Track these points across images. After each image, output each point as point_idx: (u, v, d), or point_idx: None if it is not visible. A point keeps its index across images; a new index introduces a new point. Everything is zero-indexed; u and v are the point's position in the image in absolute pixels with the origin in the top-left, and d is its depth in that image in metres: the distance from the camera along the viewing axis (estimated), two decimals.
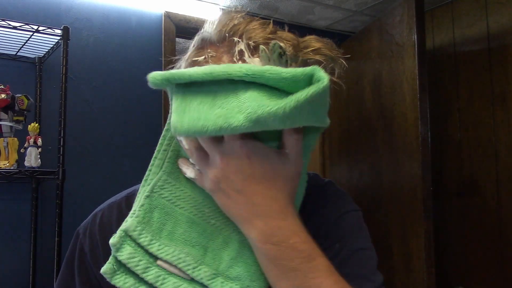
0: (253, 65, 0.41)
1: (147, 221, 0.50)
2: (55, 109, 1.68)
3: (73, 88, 1.88)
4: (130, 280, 0.49)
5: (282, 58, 0.48)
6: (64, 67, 1.63)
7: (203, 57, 0.55)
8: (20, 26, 1.55)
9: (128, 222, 0.50)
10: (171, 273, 0.49)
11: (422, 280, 1.86)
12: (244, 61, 0.52)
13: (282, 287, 0.46)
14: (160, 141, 0.53)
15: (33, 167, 1.63)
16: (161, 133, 0.57)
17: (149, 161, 0.57)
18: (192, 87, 0.45)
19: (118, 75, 2.02)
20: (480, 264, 2.20)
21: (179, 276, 0.49)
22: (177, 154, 0.52)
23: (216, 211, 0.50)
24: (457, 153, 2.35)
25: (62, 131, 1.62)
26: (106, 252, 0.63)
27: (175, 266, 0.49)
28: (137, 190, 0.68)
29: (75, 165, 1.86)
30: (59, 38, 1.65)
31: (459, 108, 2.35)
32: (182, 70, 0.44)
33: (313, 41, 0.55)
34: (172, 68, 0.58)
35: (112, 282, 0.50)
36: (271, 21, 0.57)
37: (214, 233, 0.50)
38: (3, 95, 1.59)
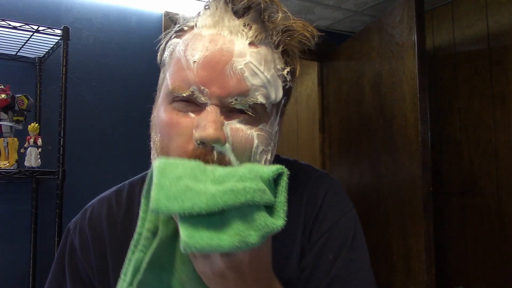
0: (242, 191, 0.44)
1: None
2: (55, 109, 1.68)
3: (73, 88, 1.88)
4: None
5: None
6: (64, 67, 1.63)
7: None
8: (20, 26, 1.55)
9: None
10: None
11: (422, 280, 1.86)
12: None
13: None
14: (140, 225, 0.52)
15: (33, 167, 1.63)
16: None
17: (149, 161, 0.57)
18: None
19: (118, 75, 2.02)
20: (480, 264, 2.20)
21: None
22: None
23: (192, 280, 0.52)
24: (457, 153, 2.35)
25: (62, 131, 1.62)
26: (96, 247, 0.63)
27: None
28: (126, 184, 0.68)
29: (75, 165, 1.86)
30: (59, 38, 1.65)
31: (459, 108, 2.35)
32: (189, 204, 0.44)
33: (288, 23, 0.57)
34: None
35: None
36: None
37: None
38: (3, 95, 1.59)
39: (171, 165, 0.46)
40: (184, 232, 0.43)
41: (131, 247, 0.51)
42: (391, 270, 2.06)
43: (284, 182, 0.47)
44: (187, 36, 0.56)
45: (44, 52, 1.80)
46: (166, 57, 0.59)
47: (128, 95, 2.03)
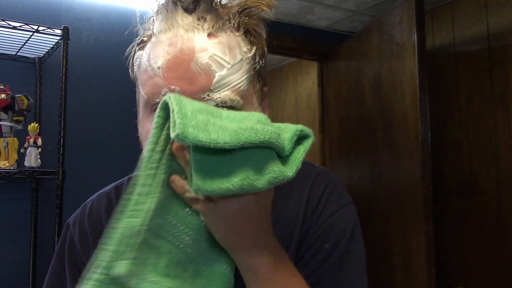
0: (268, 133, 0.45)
1: (137, 261, 0.48)
2: (55, 109, 1.68)
3: (73, 88, 1.88)
4: None
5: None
6: (64, 67, 1.63)
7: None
8: (20, 26, 1.55)
9: (120, 267, 0.45)
10: None
11: (422, 280, 1.86)
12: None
13: None
14: (145, 164, 0.47)
15: (33, 167, 1.63)
16: None
17: None
18: (217, 151, 0.45)
19: (118, 75, 2.02)
20: (480, 264, 2.20)
21: None
22: (166, 178, 0.48)
23: (195, 240, 0.50)
24: (457, 153, 2.35)
25: (62, 131, 1.62)
26: (95, 242, 0.62)
27: None
28: (125, 179, 0.68)
29: (75, 165, 1.86)
30: (59, 38, 1.65)
31: (459, 108, 2.35)
32: (214, 136, 0.42)
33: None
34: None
35: None
36: None
37: (187, 263, 0.50)
38: (3, 95, 1.59)
39: (185, 99, 0.44)
40: (196, 174, 0.42)
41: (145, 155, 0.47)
42: (391, 270, 2.06)
43: (307, 144, 0.48)
44: (148, 46, 0.56)
45: (44, 52, 1.80)
46: (136, 71, 0.60)
47: (128, 95, 2.02)
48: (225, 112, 0.46)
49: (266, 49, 0.59)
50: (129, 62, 0.62)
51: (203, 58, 0.51)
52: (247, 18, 0.56)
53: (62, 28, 1.63)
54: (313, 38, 2.72)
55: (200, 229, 0.50)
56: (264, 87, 0.61)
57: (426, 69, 1.92)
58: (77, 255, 0.63)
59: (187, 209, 0.49)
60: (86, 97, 1.96)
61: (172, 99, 0.43)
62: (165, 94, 0.51)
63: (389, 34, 2.10)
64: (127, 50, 0.62)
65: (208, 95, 0.51)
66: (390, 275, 2.07)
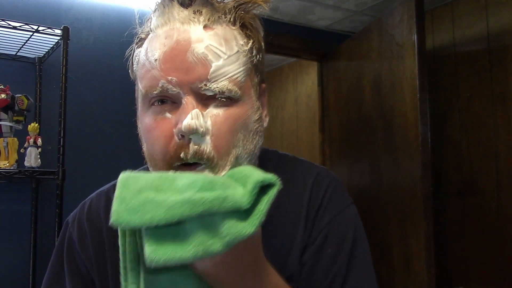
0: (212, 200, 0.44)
1: None
2: (55, 109, 1.68)
3: (73, 88, 1.88)
4: None
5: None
6: (64, 67, 1.63)
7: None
8: (20, 26, 1.55)
9: None
10: None
11: (422, 280, 1.86)
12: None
13: None
14: (122, 253, 0.50)
15: (33, 167, 1.63)
16: None
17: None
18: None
19: (118, 75, 2.02)
20: (480, 264, 2.20)
21: None
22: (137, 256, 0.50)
23: None
24: (457, 153, 2.35)
25: (62, 131, 1.62)
26: (94, 239, 0.63)
27: None
28: None
29: (75, 165, 1.86)
30: (59, 38, 1.65)
31: (459, 108, 2.35)
32: (148, 216, 0.43)
33: None
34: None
35: None
36: None
37: None
38: (3, 95, 1.59)
39: (133, 178, 0.46)
40: (148, 247, 0.43)
41: (122, 281, 0.50)
42: (391, 270, 2.06)
43: (271, 193, 0.46)
44: (145, 42, 0.57)
45: (44, 52, 1.80)
46: (135, 69, 0.60)
47: (128, 95, 2.02)
48: (181, 180, 0.46)
49: (263, 44, 0.59)
50: (129, 62, 0.62)
51: (199, 48, 0.52)
52: (243, 12, 0.56)
53: (62, 28, 1.63)
54: (313, 38, 2.72)
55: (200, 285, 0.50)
56: (262, 83, 0.61)
57: (426, 69, 1.92)
58: (75, 253, 0.64)
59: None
60: (86, 97, 1.96)
61: (118, 181, 0.45)
62: (162, 86, 0.52)
63: (389, 34, 2.10)
64: (127, 51, 0.63)
65: (205, 85, 0.51)
66: (390, 275, 2.07)
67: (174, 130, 0.52)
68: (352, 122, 2.48)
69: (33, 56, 1.83)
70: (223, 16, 0.55)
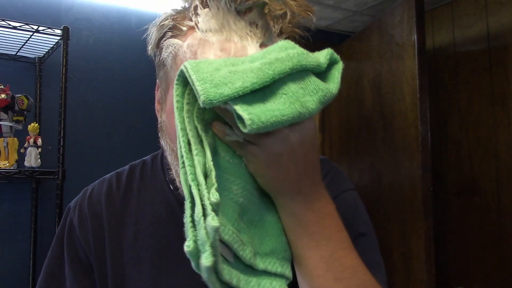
0: (294, 57, 0.44)
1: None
2: (55, 109, 1.68)
3: (73, 88, 1.88)
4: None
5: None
6: (64, 67, 1.63)
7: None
8: (20, 26, 1.55)
9: (216, 222, 0.39)
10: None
11: (422, 280, 1.86)
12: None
13: (312, 256, 0.46)
14: (183, 130, 0.45)
15: (33, 167, 1.63)
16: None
17: None
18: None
19: (118, 75, 2.02)
20: (480, 264, 2.20)
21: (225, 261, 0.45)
22: (196, 133, 0.46)
23: (244, 188, 0.47)
24: (457, 153, 2.35)
25: (62, 131, 1.62)
26: (94, 224, 0.64)
27: (226, 247, 0.45)
28: (127, 166, 0.70)
29: (75, 165, 1.86)
30: (59, 38, 1.65)
31: (459, 108, 2.35)
32: (240, 83, 0.41)
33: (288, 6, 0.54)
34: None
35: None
36: None
37: (241, 212, 0.48)
38: (3, 95, 1.59)
39: (203, 62, 0.43)
40: (244, 112, 0.40)
41: (183, 153, 0.43)
42: (391, 270, 2.06)
43: (340, 65, 0.47)
44: (191, 41, 0.52)
45: (44, 52, 1.80)
46: (166, 57, 0.56)
47: (128, 95, 2.02)
48: (247, 57, 0.45)
49: None
50: (151, 42, 0.58)
51: None
52: (290, 25, 0.55)
53: (62, 28, 1.63)
54: (313, 38, 2.72)
55: (246, 176, 0.47)
56: None
57: (426, 69, 1.92)
58: (75, 238, 0.64)
59: (227, 158, 0.47)
60: (86, 97, 1.96)
61: (188, 68, 0.42)
62: None
63: (389, 34, 2.10)
64: (149, 26, 0.59)
65: None
66: (390, 275, 2.07)
67: None
68: (352, 122, 2.48)
69: (33, 56, 1.83)
70: (272, 28, 0.53)
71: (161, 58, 0.57)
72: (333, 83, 0.46)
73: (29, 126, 1.66)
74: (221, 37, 0.51)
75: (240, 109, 0.40)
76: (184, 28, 0.54)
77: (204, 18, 0.52)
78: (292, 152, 0.45)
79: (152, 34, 0.58)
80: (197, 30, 0.52)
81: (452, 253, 2.35)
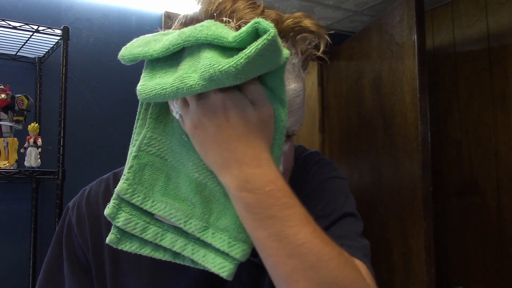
0: (201, 29, 0.44)
1: (138, 181, 0.50)
2: (55, 109, 1.69)
3: (73, 88, 1.88)
4: (135, 243, 0.51)
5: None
6: (64, 67, 1.63)
7: None
8: (20, 26, 1.55)
9: (119, 186, 0.50)
10: (167, 230, 0.50)
11: (422, 280, 1.86)
12: None
13: (259, 236, 0.45)
14: (139, 104, 0.56)
15: (33, 167, 1.63)
16: None
17: None
18: (159, 61, 0.49)
19: (118, 75, 2.02)
20: (480, 264, 2.20)
21: (175, 230, 0.50)
22: (159, 109, 0.53)
23: (199, 164, 0.49)
24: (457, 153, 2.35)
25: (62, 131, 1.62)
26: (91, 223, 0.64)
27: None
28: (124, 166, 0.69)
29: (75, 165, 1.86)
30: (59, 38, 1.65)
31: (459, 108, 2.35)
32: (146, 48, 0.48)
33: (299, 19, 0.56)
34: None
35: (120, 247, 0.51)
36: (261, 0, 0.56)
37: (199, 187, 0.49)
38: (3, 95, 1.59)
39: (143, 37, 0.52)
40: (141, 82, 0.49)
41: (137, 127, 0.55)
42: (391, 270, 2.06)
43: (262, 40, 0.41)
44: None
45: (44, 52, 1.80)
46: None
47: (128, 95, 2.02)
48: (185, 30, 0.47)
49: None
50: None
51: (294, 102, 0.55)
52: (309, 46, 0.58)
53: (62, 28, 1.63)
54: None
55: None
56: None
57: (426, 69, 1.92)
58: (73, 237, 0.64)
59: (183, 136, 0.50)
60: (86, 97, 1.96)
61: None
62: None
63: (389, 34, 2.10)
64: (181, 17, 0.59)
65: (293, 130, 0.56)
66: (390, 275, 2.07)
67: None
68: (352, 122, 2.48)
69: (33, 56, 1.83)
70: (298, 46, 0.56)
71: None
72: (232, 60, 0.41)
73: (29, 126, 1.66)
74: None
75: (142, 79, 0.49)
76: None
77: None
78: (212, 115, 0.45)
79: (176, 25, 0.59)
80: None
81: (452, 253, 2.35)
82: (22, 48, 1.74)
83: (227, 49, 0.44)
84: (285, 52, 0.47)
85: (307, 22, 0.55)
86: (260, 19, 0.42)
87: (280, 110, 0.49)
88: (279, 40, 0.43)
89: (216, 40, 0.43)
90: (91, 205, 0.65)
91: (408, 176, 1.95)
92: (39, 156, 1.65)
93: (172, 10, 2.15)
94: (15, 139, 1.66)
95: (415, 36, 1.90)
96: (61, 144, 1.62)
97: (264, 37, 0.41)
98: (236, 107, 0.46)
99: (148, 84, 0.46)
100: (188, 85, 0.42)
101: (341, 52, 2.61)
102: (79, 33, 1.95)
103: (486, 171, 2.19)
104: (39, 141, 1.66)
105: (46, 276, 0.65)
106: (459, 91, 2.35)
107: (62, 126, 1.62)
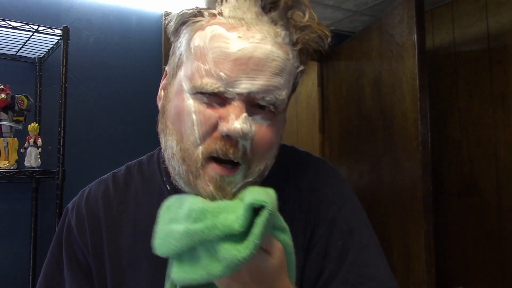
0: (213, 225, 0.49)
1: None
2: (55, 109, 1.68)
3: (73, 88, 1.88)
4: None
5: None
6: (64, 67, 1.63)
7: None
8: (20, 26, 1.55)
9: None
10: None
11: (422, 280, 1.86)
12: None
13: None
14: None
15: (33, 167, 1.63)
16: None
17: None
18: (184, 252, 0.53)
19: (118, 75, 2.02)
20: (480, 264, 2.20)
21: None
22: None
23: None
24: (457, 153, 2.35)
25: (62, 131, 1.62)
26: (91, 226, 0.64)
27: None
28: (123, 167, 0.71)
29: (75, 165, 1.86)
30: (59, 38, 1.65)
31: (459, 108, 2.35)
32: (168, 249, 0.52)
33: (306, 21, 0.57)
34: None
35: None
36: None
37: None
38: (3, 95, 1.59)
39: (167, 208, 0.54)
40: (172, 270, 0.52)
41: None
42: (391, 270, 2.06)
43: (263, 217, 0.48)
44: (214, 28, 0.54)
45: (44, 52, 1.80)
46: (182, 41, 0.57)
47: (128, 95, 2.02)
48: (182, 207, 0.52)
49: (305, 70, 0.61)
50: (171, 27, 0.60)
51: (268, 63, 0.52)
52: (306, 37, 0.56)
53: (62, 28, 1.63)
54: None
55: None
56: (289, 100, 0.63)
57: (426, 69, 1.92)
58: (73, 240, 0.64)
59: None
60: (86, 97, 1.96)
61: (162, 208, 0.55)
62: (220, 88, 0.52)
63: (389, 34, 2.10)
64: (170, 16, 0.60)
65: (263, 97, 0.53)
66: None
67: (221, 126, 0.52)
68: (352, 122, 2.48)
69: (33, 56, 1.83)
70: (291, 34, 0.56)
71: (177, 43, 0.59)
72: (247, 244, 0.47)
73: (29, 126, 1.66)
74: (241, 27, 0.53)
75: (172, 267, 0.53)
76: (206, 14, 0.56)
77: (228, 7, 0.55)
78: (239, 280, 0.50)
79: (172, 21, 0.59)
80: (219, 16, 0.55)
81: (452, 253, 2.35)
82: (22, 48, 1.74)
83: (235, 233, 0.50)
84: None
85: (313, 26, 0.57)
86: (252, 199, 0.48)
87: (284, 237, 0.54)
88: (275, 206, 0.49)
89: (225, 233, 0.48)
90: (91, 207, 0.65)
91: (408, 176, 1.95)
92: (39, 156, 1.65)
93: (172, 10, 2.15)
94: (15, 139, 1.65)
95: (415, 36, 1.90)
96: (61, 144, 1.62)
97: (262, 217, 0.48)
98: (258, 268, 0.50)
99: (180, 273, 0.52)
100: (216, 275, 0.48)
101: (341, 52, 2.61)
102: (79, 33, 1.95)
103: (486, 171, 2.19)
104: (39, 141, 1.66)
105: (46, 279, 0.65)
106: (459, 91, 2.35)
107: (62, 126, 1.62)
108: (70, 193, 1.80)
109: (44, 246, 1.82)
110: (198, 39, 0.54)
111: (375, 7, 2.43)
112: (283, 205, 0.63)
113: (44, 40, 1.69)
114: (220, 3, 0.56)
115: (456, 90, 2.37)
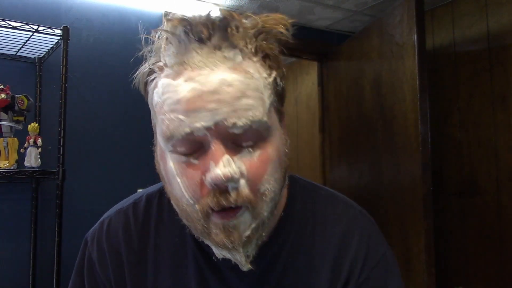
0: None
1: None
2: (55, 109, 1.68)
3: (73, 88, 1.88)
4: None
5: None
6: (64, 67, 1.63)
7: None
8: (20, 26, 1.55)
9: None
10: None
11: (422, 280, 1.86)
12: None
13: None
14: None
15: (33, 167, 1.63)
16: None
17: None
18: None
19: (118, 75, 2.02)
20: (480, 264, 2.20)
21: None
22: None
23: None
24: (457, 153, 2.35)
25: (62, 131, 1.62)
26: (113, 260, 0.63)
27: None
28: (143, 196, 0.67)
29: (75, 165, 1.86)
30: (59, 38, 1.65)
31: (459, 108, 2.35)
32: None
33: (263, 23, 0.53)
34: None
35: None
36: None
37: None
38: (3, 95, 1.59)
39: None
40: None
41: None
42: None
43: None
44: (163, 81, 0.53)
45: (44, 52, 1.80)
46: (154, 102, 0.56)
47: (128, 95, 2.02)
48: None
49: (284, 70, 0.56)
50: (139, 81, 0.59)
51: (225, 90, 0.49)
52: (264, 42, 0.53)
53: (62, 28, 1.63)
54: (313, 38, 2.72)
55: None
56: (282, 107, 0.58)
57: (426, 69, 1.92)
58: (95, 273, 0.64)
59: None
60: (86, 97, 1.96)
61: None
62: (186, 132, 0.49)
63: (389, 34, 2.10)
64: (137, 72, 0.59)
65: (232, 123, 0.49)
66: None
67: (204, 177, 0.50)
68: (352, 122, 2.48)
69: (33, 56, 1.83)
70: (244, 48, 0.51)
71: (151, 101, 0.58)
72: None
73: (29, 126, 1.66)
74: (186, 69, 0.51)
75: None
76: (157, 69, 0.55)
77: (169, 54, 0.52)
78: None
79: (138, 84, 0.59)
80: (165, 68, 0.53)
81: (452, 253, 2.35)
82: (22, 48, 1.74)
83: None
84: None
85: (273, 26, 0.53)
86: None
87: None
88: None
89: None
90: (112, 240, 0.64)
91: (408, 176, 1.95)
92: (39, 156, 1.65)
93: (172, 10, 2.15)
94: (15, 139, 1.66)
95: (415, 36, 1.90)
96: (61, 144, 1.61)
97: None
98: None
99: None
100: None
101: (341, 52, 2.61)
102: (79, 33, 1.95)
103: (486, 171, 2.19)
104: (39, 141, 1.66)
105: None
106: (459, 91, 2.35)
107: (62, 126, 1.62)
108: (70, 193, 1.80)
109: (44, 246, 1.82)
110: (156, 97, 0.54)
111: (375, 7, 2.43)
112: (309, 253, 0.61)
113: (44, 40, 1.69)
114: (164, 51, 0.54)
115: (456, 90, 2.37)
